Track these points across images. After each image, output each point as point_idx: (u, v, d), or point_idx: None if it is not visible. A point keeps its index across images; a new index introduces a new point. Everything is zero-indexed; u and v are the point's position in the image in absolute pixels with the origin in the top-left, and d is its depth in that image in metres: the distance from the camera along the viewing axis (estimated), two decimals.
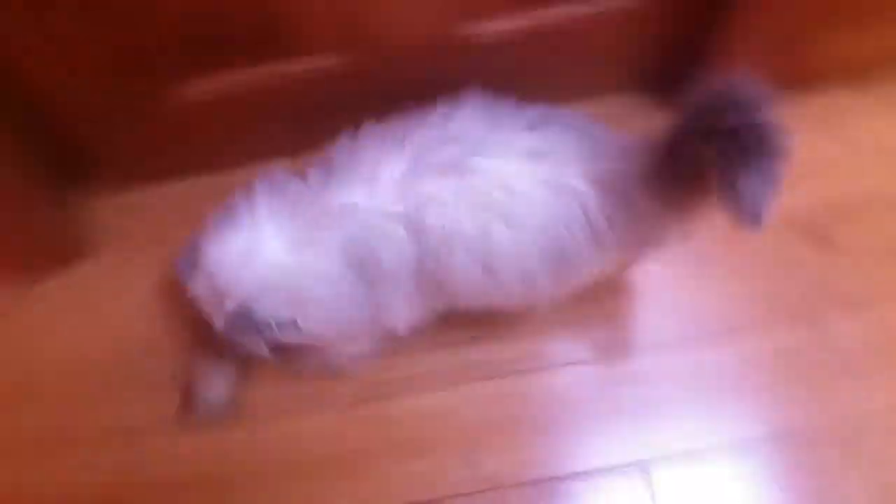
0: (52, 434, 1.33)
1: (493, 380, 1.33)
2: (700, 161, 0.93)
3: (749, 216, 0.89)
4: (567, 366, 1.33)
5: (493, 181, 1.04)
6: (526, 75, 1.31)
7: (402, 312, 1.15)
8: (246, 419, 1.30)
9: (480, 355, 1.34)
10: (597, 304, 1.35)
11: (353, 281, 1.08)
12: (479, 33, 1.29)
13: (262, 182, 1.12)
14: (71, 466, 1.30)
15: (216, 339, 1.15)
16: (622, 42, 1.39)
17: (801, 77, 1.42)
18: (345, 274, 1.08)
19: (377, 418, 1.31)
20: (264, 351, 1.14)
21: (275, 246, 1.08)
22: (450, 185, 1.05)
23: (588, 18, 1.32)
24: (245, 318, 1.08)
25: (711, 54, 1.36)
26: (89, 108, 1.27)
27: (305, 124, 1.34)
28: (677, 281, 1.37)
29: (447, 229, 1.05)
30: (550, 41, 1.34)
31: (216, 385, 1.27)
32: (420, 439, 1.29)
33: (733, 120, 0.89)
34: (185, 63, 1.22)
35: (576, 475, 1.26)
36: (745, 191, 0.89)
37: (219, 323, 1.11)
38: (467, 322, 1.31)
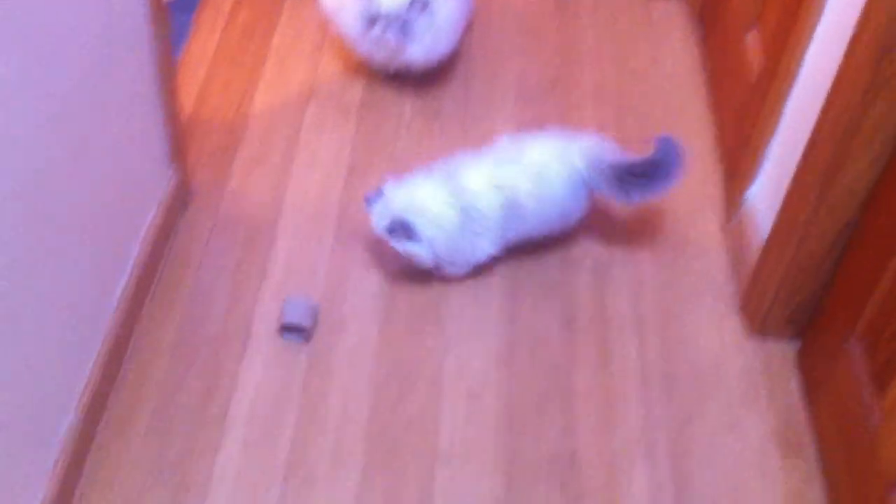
0: None
1: None
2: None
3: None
4: None
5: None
6: None
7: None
8: None
9: None
10: None
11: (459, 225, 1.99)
12: None
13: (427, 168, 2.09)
14: None
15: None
16: None
17: None
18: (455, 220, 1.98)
19: None
20: (404, 250, 1.98)
21: (426, 192, 1.98)
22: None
23: None
24: (399, 223, 1.94)
25: None
26: None
27: None
28: None
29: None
30: None
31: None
32: None
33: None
34: None
35: None
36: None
37: (383, 224, 1.97)
38: None
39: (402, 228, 1.94)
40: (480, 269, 2.07)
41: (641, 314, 2.04)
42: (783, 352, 1.97)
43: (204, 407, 1.83)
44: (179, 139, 2.10)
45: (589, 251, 2.16)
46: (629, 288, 2.09)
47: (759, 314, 1.98)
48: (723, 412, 1.87)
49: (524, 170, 2.00)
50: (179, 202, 2.14)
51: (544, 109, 2.50)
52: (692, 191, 2.29)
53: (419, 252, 1.97)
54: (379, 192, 1.98)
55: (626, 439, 1.83)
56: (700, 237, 2.21)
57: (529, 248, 2.11)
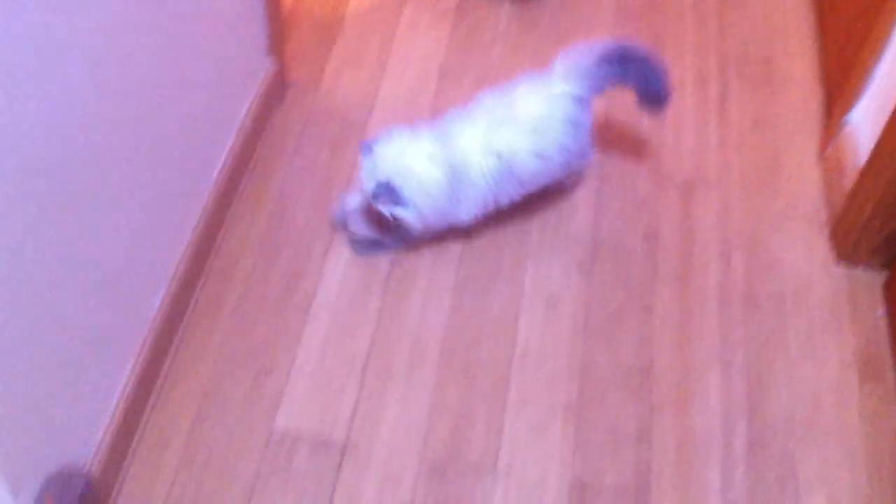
0: None
1: None
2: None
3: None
4: None
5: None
6: None
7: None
8: None
9: None
10: None
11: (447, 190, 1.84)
12: None
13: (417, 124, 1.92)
14: None
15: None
16: None
17: None
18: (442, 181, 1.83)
19: None
20: (391, 214, 1.84)
21: (414, 153, 1.82)
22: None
23: None
24: (385, 187, 1.80)
25: None
26: None
27: None
28: None
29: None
30: None
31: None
32: None
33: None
34: None
35: None
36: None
37: (370, 187, 1.83)
38: None
39: (388, 193, 1.81)
40: (571, 182, 2.07)
41: (727, 234, 2.03)
42: (870, 280, 1.95)
43: (288, 296, 1.89)
44: (279, 31, 2.13)
45: (678, 169, 2.14)
46: (717, 207, 2.07)
47: (849, 241, 1.95)
48: (803, 335, 1.86)
49: (520, 129, 1.85)
50: (275, 94, 2.18)
51: (642, 26, 2.46)
52: (789, 113, 2.25)
53: (407, 216, 1.84)
54: (369, 147, 1.84)
55: (703, 355, 1.83)
56: (795, 161, 2.17)
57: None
